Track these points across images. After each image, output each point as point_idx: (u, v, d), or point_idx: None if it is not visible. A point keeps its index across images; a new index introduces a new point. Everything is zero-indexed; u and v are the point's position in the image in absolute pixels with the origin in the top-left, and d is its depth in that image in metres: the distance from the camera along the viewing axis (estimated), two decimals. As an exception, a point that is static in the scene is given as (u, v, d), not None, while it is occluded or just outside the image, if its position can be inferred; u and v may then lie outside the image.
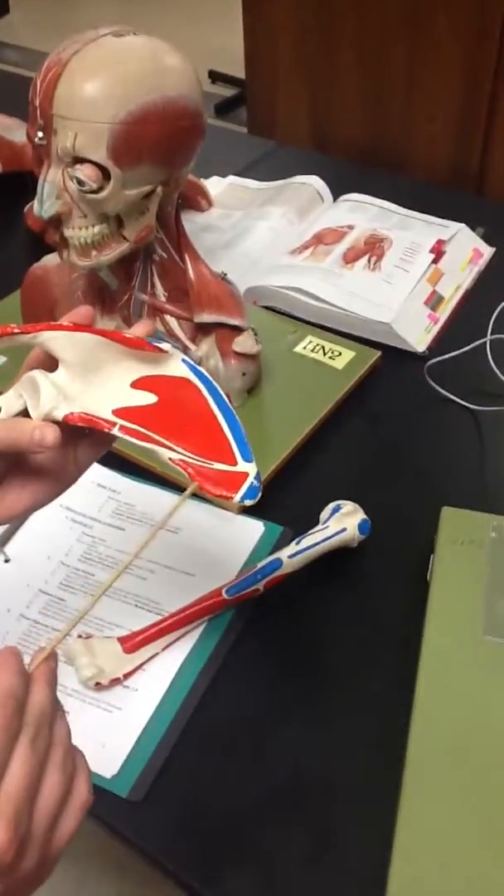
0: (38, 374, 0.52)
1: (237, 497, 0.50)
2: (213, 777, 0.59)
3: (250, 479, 0.51)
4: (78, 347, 0.53)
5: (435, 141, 1.44)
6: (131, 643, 0.64)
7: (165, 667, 0.64)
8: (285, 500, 0.76)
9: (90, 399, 0.52)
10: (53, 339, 0.52)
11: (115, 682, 0.62)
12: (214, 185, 1.21)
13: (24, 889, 0.41)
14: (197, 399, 0.55)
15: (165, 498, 0.76)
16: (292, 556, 0.68)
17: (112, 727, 0.60)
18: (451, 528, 0.71)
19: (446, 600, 0.66)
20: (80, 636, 0.64)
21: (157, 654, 0.64)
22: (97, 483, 0.77)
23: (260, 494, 0.51)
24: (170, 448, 0.51)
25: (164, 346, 0.55)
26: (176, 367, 0.55)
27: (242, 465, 0.52)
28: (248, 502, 0.50)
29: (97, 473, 0.78)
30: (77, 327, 0.53)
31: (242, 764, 0.59)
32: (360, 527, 0.70)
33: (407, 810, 0.54)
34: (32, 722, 0.41)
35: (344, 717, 0.62)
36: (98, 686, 0.62)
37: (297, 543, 0.68)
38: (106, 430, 0.51)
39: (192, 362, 0.56)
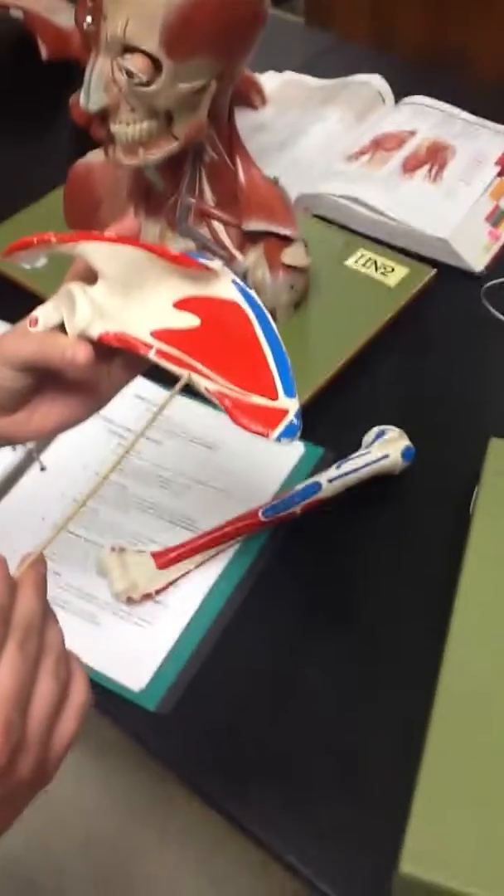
0: (75, 288, 0.49)
1: (273, 435, 0.47)
2: (240, 696, 0.59)
3: (290, 416, 0.48)
4: (120, 261, 0.49)
5: (506, 40, 1.34)
6: (164, 559, 0.63)
7: (197, 585, 0.63)
8: (327, 422, 0.74)
9: (129, 317, 0.50)
10: (94, 251, 0.49)
11: (147, 597, 0.62)
12: (269, 81, 1.14)
13: (26, 793, 0.41)
14: (243, 325, 0.51)
15: (203, 412, 0.74)
16: (332, 480, 0.66)
17: (142, 641, 0.60)
18: (499, 460, 0.68)
19: (489, 533, 0.64)
20: (112, 549, 0.64)
21: (189, 571, 0.64)
22: (136, 394, 0.76)
23: (299, 433, 0.48)
24: (207, 377, 0.49)
25: (214, 264, 0.52)
26: (224, 288, 0.52)
27: (283, 401, 0.49)
28: (284, 441, 0.48)
29: (136, 385, 0.76)
30: (120, 239, 0.49)
31: (269, 686, 0.59)
32: (404, 454, 0.68)
33: (433, 748, 0.53)
34: (19, 627, 0.40)
35: (374, 648, 0.61)
36: (130, 600, 0.62)
37: (338, 467, 0.67)
38: (141, 354, 0.48)
39: (242, 284, 0.53)
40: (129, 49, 0.65)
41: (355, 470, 0.67)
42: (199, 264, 0.51)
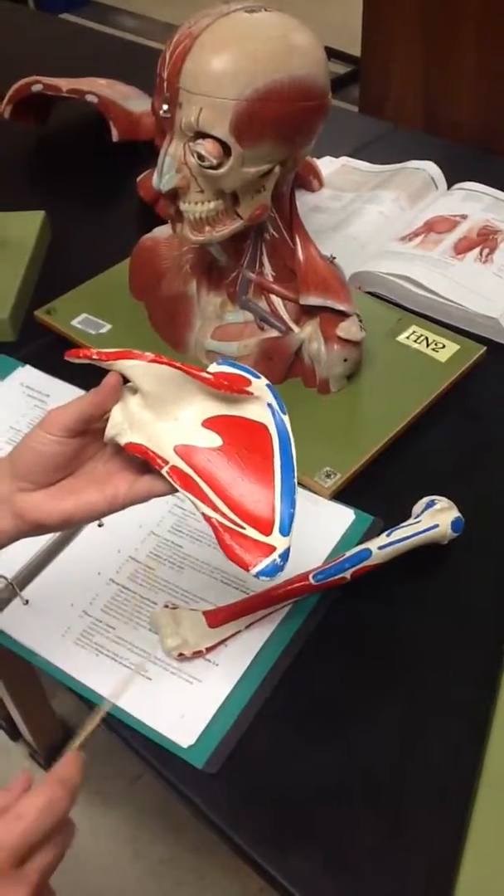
0: (124, 393, 0.53)
1: (253, 571, 0.50)
2: (287, 757, 0.59)
3: (275, 555, 0.51)
4: (157, 378, 0.53)
5: None
6: (216, 618, 0.65)
7: (247, 645, 0.64)
8: (378, 490, 0.76)
9: (157, 431, 0.53)
10: (132, 368, 0.53)
11: (198, 654, 0.64)
12: (326, 166, 1.19)
13: None
14: (264, 450, 0.54)
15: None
16: (382, 547, 0.67)
17: (192, 698, 0.62)
18: (547, 534, 0.69)
19: (536, 607, 0.65)
20: (166, 605, 0.66)
21: (239, 631, 0.65)
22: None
23: (280, 573, 0.50)
24: (210, 503, 0.51)
25: (255, 385, 0.55)
26: (257, 410, 0.55)
27: (275, 538, 0.51)
28: (263, 579, 0.50)
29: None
30: (157, 358, 0.53)
31: (317, 747, 0.60)
32: (454, 524, 0.69)
33: (482, 813, 0.54)
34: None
35: (423, 713, 0.61)
36: (181, 657, 0.63)
37: (388, 535, 0.68)
38: (156, 468, 0.51)
39: (276, 407, 0.55)
40: (200, 135, 0.70)
41: (405, 538, 0.68)
42: (230, 387, 0.54)
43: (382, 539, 0.68)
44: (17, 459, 0.53)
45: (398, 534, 0.68)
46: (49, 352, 0.89)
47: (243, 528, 0.51)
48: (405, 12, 1.48)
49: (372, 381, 0.85)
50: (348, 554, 0.67)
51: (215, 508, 0.51)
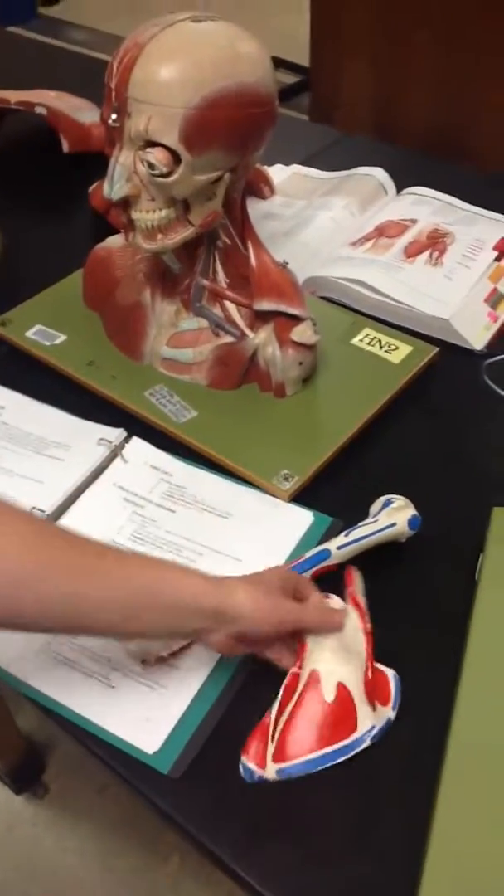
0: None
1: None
2: (253, 760, 0.60)
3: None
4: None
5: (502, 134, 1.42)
6: (178, 623, 0.65)
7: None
8: (335, 491, 0.76)
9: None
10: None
11: (161, 660, 0.64)
12: (277, 173, 1.20)
13: None
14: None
15: (216, 482, 0.77)
16: (341, 547, 0.68)
17: (156, 704, 0.61)
18: (502, 528, 0.70)
19: (494, 600, 0.66)
20: (128, 613, 0.65)
21: (203, 635, 0.65)
22: (150, 465, 0.78)
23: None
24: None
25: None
26: None
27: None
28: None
29: (150, 455, 0.79)
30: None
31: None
32: (410, 522, 0.70)
33: (444, 809, 0.54)
34: None
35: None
36: (144, 663, 0.63)
37: (347, 535, 0.69)
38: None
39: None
40: (150, 143, 0.70)
41: (363, 537, 0.69)
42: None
43: (341, 539, 0.69)
44: None
45: (356, 533, 0.69)
46: (4, 363, 0.89)
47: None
48: (354, 22, 1.50)
49: (327, 383, 0.86)
50: (308, 555, 0.68)
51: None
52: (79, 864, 1.26)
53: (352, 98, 1.59)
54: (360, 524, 0.70)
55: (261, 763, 0.58)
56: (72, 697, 0.62)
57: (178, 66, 0.68)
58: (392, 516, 0.70)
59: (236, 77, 0.69)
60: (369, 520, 0.70)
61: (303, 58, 1.74)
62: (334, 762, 0.58)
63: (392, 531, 0.69)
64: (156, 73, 0.68)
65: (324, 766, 0.58)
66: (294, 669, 0.61)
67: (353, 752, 0.59)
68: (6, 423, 0.82)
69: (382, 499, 0.72)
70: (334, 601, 0.64)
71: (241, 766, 0.58)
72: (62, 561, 0.54)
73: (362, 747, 0.59)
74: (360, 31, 1.50)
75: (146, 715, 0.61)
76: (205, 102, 0.68)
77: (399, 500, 0.71)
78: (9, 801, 1.31)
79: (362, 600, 0.64)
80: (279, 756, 0.58)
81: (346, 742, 0.59)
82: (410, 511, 0.70)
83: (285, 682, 0.61)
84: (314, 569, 0.67)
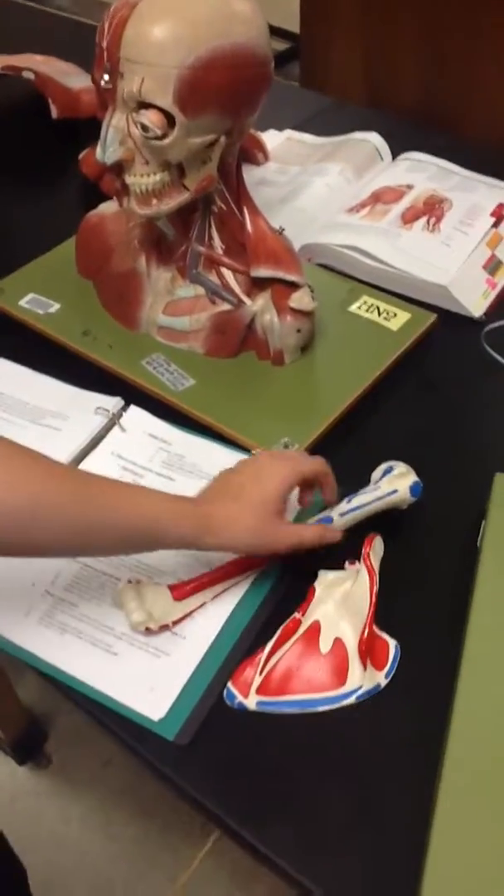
0: None
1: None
2: (259, 726, 0.60)
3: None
4: None
5: (497, 99, 1.39)
6: (181, 591, 0.64)
7: (214, 616, 0.64)
8: (336, 459, 0.75)
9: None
10: None
11: (164, 628, 0.63)
12: (271, 139, 1.19)
13: None
14: None
15: (216, 451, 0.76)
16: (343, 514, 0.68)
17: (160, 672, 0.61)
18: (504, 494, 0.70)
19: (497, 567, 0.65)
20: (129, 581, 0.65)
21: (205, 602, 0.65)
22: (148, 433, 0.78)
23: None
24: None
25: None
26: None
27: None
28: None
29: (149, 424, 0.78)
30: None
31: (287, 715, 0.60)
32: (412, 489, 0.69)
33: (447, 786, 0.54)
34: None
35: (388, 682, 0.62)
36: (147, 631, 0.63)
37: (349, 502, 0.68)
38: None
39: None
40: (144, 105, 0.69)
41: (365, 504, 0.68)
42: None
43: (343, 506, 0.68)
44: None
45: (358, 500, 0.68)
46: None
47: None
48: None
49: (325, 351, 0.85)
50: (310, 522, 0.68)
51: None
52: (81, 835, 1.26)
53: (343, 67, 1.57)
54: (362, 491, 0.69)
55: (244, 691, 0.60)
56: (77, 666, 0.61)
57: (171, 25, 0.66)
58: (393, 483, 0.69)
59: (231, 37, 0.68)
60: (371, 486, 0.70)
61: (294, 24, 1.71)
62: (314, 709, 0.60)
63: (394, 498, 0.69)
64: (148, 31, 0.67)
65: (302, 710, 0.60)
66: (297, 615, 0.64)
67: (335, 706, 0.60)
68: (2, 393, 0.81)
69: (384, 465, 0.72)
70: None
71: (225, 690, 0.60)
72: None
73: (345, 703, 0.60)
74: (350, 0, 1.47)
75: (151, 682, 0.61)
76: (199, 62, 0.67)
77: (401, 467, 0.71)
78: (12, 773, 1.32)
79: (376, 565, 0.66)
80: (263, 689, 0.60)
81: (329, 694, 0.60)
82: (412, 478, 0.70)
83: (285, 623, 0.63)
84: (316, 536, 0.67)
